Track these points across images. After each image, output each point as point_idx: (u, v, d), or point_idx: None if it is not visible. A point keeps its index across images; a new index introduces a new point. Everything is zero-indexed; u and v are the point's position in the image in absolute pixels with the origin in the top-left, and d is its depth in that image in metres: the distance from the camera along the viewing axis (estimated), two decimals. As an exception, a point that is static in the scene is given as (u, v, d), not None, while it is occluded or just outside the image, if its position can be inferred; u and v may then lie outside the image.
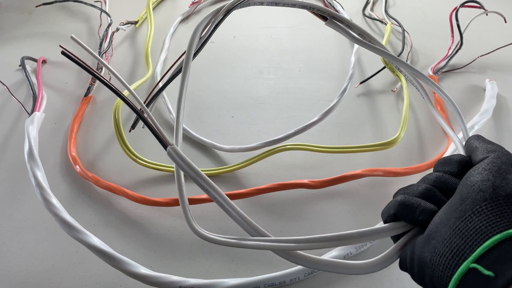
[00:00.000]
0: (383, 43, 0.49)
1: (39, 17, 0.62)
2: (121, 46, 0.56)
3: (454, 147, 0.38)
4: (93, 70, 0.28)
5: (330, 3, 0.62)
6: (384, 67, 0.48)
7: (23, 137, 0.40)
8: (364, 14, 0.60)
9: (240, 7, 0.33)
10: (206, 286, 0.30)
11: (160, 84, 0.35)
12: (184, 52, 0.32)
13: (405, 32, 0.54)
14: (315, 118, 0.41)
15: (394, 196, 0.26)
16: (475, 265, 0.19)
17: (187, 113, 0.46)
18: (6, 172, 0.40)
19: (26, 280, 0.32)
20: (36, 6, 0.60)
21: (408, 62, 0.51)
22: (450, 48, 0.50)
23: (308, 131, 0.40)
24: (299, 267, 0.31)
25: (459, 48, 0.49)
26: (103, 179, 0.38)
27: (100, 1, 0.59)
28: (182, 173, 0.28)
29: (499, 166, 0.22)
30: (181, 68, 0.31)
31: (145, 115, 0.27)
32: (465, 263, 0.19)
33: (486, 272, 0.18)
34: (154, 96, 0.35)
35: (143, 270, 0.31)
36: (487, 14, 0.47)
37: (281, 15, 0.62)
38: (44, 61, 0.53)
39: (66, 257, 0.34)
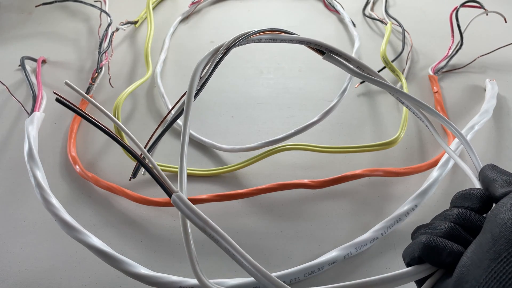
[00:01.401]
0: (383, 43, 0.49)
1: (39, 17, 0.61)
2: (121, 46, 0.56)
3: (454, 147, 0.38)
4: (90, 116, 0.26)
5: (330, 3, 0.61)
6: (384, 67, 0.48)
7: (22, 137, 0.40)
8: (364, 14, 0.60)
9: (238, 45, 0.32)
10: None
11: (160, 130, 0.34)
12: (185, 93, 0.31)
13: (405, 32, 0.54)
14: (315, 118, 0.41)
15: (414, 234, 0.24)
16: None
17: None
18: (6, 172, 0.40)
19: (26, 280, 0.32)
20: (36, 6, 0.60)
21: (409, 62, 0.51)
22: (450, 48, 0.50)
23: (308, 131, 0.40)
24: (299, 267, 0.31)
25: (459, 48, 0.49)
26: (103, 179, 0.38)
27: (100, 1, 0.59)
28: (188, 223, 0.27)
29: None
30: (183, 109, 0.30)
31: (147, 161, 0.26)
32: None
33: None
34: (154, 142, 0.34)
35: (143, 270, 0.31)
36: (487, 14, 0.47)
37: (281, 15, 0.62)
38: (44, 61, 0.53)
39: (66, 257, 0.33)
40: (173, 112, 0.33)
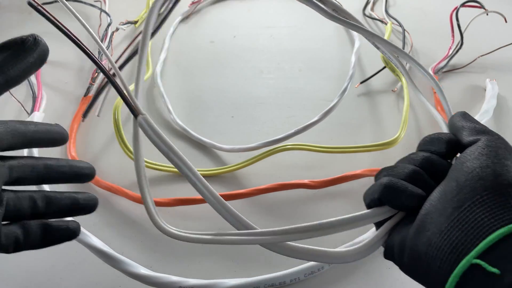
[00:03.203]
0: (383, 43, 0.49)
1: (38, 17, 0.61)
2: (121, 46, 0.56)
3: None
4: (61, 24, 0.25)
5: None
6: (384, 67, 0.48)
7: (22, 137, 0.40)
8: (364, 14, 0.60)
9: None
10: (206, 286, 0.30)
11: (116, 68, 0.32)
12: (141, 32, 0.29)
13: (405, 32, 0.54)
14: (315, 118, 0.41)
15: (377, 177, 0.24)
16: (478, 261, 0.17)
17: (187, 113, 0.46)
18: (6, 172, 0.40)
19: (26, 280, 0.32)
20: (36, 6, 0.60)
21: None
22: (450, 48, 0.50)
23: (308, 131, 0.40)
24: (299, 267, 0.31)
25: (460, 48, 0.49)
26: (103, 179, 0.38)
27: (100, 1, 0.59)
28: (142, 151, 0.25)
29: (496, 151, 0.20)
30: (138, 49, 0.29)
31: (117, 79, 0.25)
32: (467, 258, 0.17)
33: (491, 270, 0.16)
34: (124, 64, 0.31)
35: (142, 270, 0.31)
36: (487, 14, 0.47)
37: (281, 15, 0.62)
38: (43, 61, 0.53)
39: (65, 258, 0.33)
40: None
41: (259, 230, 0.23)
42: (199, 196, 0.36)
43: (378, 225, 0.23)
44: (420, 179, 0.22)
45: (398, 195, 0.21)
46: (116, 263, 0.31)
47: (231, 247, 0.34)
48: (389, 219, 0.23)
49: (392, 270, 0.32)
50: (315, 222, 0.23)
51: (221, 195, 0.36)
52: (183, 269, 0.33)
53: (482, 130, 0.22)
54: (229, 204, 0.37)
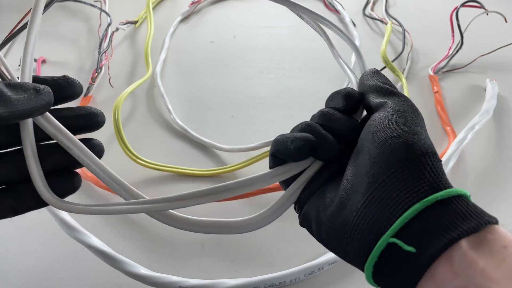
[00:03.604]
0: (384, 42, 0.49)
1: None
2: (120, 46, 0.56)
3: (454, 148, 0.38)
4: None
5: (330, 3, 0.61)
6: (384, 67, 0.48)
7: (22, 137, 0.40)
8: (364, 14, 0.60)
9: None
10: (206, 287, 0.30)
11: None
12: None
13: (405, 31, 0.54)
14: (315, 118, 0.41)
15: None
16: (394, 240, 0.17)
17: (187, 113, 0.46)
18: (6, 172, 0.40)
19: (26, 280, 0.32)
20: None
21: (409, 62, 0.51)
22: (450, 48, 0.49)
23: (308, 131, 0.40)
24: (299, 267, 0.31)
25: (460, 48, 0.49)
26: (103, 179, 0.38)
27: (100, 1, 0.59)
28: (31, 123, 0.23)
29: (406, 118, 0.19)
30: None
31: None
32: (383, 237, 0.17)
33: (407, 248, 0.16)
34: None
35: (142, 270, 0.31)
36: (487, 14, 0.47)
37: (281, 15, 0.62)
38: (43, 61, 0.53)
39: (65, 258, 0.33)
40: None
41: (147, 199, 0.22)
42: (199, 196, 0.36)
43: (285, 186, 0.23)
44: (312, 130, 0.21)
45: (284, 143, 0.21)
46: (116, 263, 0.31)
47: (231, 247, 0.34)
48: (295, 179, 0.22)
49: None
50: (211, 186, 0.22)
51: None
52: (183, 269, 0.33)
53: (389, 91, 0.21)
54: (230, 204, 0.37)
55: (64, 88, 0.24)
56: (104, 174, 0.22)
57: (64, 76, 0.24)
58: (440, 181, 0.18)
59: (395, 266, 0.17)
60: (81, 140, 0.24)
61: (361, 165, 0.19)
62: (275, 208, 0.21)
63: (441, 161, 0.19)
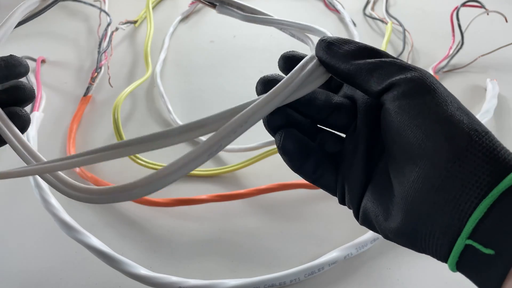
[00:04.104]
0: (384, 42, 0.49)
1: (38, 17, 0.61)
2: (120, 46, 0.56)
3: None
4: None
5: (330, 3, 0.61)
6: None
7: (22, 137, 0.40)
8: (364, 14, 0.60)
9: None
10: (206, 287, 0.30)
11: None
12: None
13: (405, 31, 0.54)
14: (316, 118, 0.41)
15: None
16: (470, 241, 0.16)
17: (187, 113, 0.46)
18: (5, 172, 0.40)
19: (25, 280, 0.32)
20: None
21: (409, 62, 0.50)
22: (451, 48, 0.49)
23: (308, 131, 0.40)
24: (299, 267, 0.31)
25: (460, 48, 0.48)
26: (102, 179, 0.38)
27: (100, 1, 0.59)
28: None
29: (433, 108, 0.17)
30: None
31: None
32: (459, 240, 0.16)
33: (485, 251, 0.16)
34: None
35: (142, 270, 0.31)
36: (488, 14, 0.47)
37: (281, 15, 0.62)
38: (43, 61, 0.53)
39: (65, 258, 0.33)
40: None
41: (44, 160, 0.21)
42: (199, 196, 0.36)
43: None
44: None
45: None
46: (116, 263, 0.31)
47: (231, 247, 0.34)
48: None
49: (392, 271, 0.32)
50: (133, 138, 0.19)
51: (221, 195, 0.36)
52: (183, 270, 0.33)
53: (389, 72, 0.19)
54: (230, 204, 0.37)
55: (11, 65, 0.24)
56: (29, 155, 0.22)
57: (11, 55, 0.25)
58: (501, 163, 0.16)
59: (478, 266, 0.16)
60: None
61: (406, 171, 0.18)
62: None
63: (493, 135, 0.17)
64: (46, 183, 0.35)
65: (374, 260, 0.33)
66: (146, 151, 0.19)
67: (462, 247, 0.16)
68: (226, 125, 0.19)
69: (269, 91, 0.20)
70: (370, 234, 0.33)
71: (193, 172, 0.39)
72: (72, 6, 0.62)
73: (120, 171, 0.40)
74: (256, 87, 0.23)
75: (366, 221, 0.20)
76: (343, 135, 0.22)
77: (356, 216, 0.21)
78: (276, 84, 0.20)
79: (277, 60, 0.24)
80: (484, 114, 0.41)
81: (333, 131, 0.23)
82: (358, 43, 0.20)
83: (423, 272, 0.32)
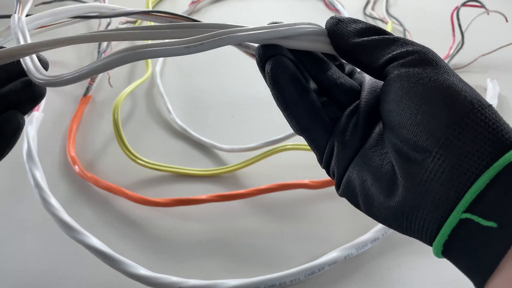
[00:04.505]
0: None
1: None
2: (120, 45, 0.56)
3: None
4: None
5: (331, 3, 0.61)
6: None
7: (21, 137, 0.40)
8: (364, 13, 0.60)
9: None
10: (206, 287, 0.30)
11: None
12: None
13: (406, 31, 0.54)
14: (316, 118, 0.41)
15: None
16: (468, 215, 0.15)
17: (187, 113, 0.46)
18: (5, 172, 0.40)
19: (25, 280, 0.32)
20: (35, 6, 0.60)
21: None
22: (451, 48, 0.49)
23: (308, 131, 0.40)
24: (299, 267, 0.31)
25: (461, 48, 0.48)
26: (102, 180, 0.38)
27: (99, 0, 0.59)
28: None
29: (433, 76, 0.17)
30: None
31: None
32: (453, 214, 0.15)
33: (486, 223, 0.14)
34: None
35: (142, 271, 0.31)
36: (488, 14, 0.47)
37: (281, 14, 0.61)
38: (43, 61, 0.52)
39: (65, 258, 0.33)
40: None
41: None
42: (199, 196, 0.36)
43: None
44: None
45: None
46: (115, 263, 0.30)
47: (231, 247, 0.34)
48: None
49: (392, 271, 0.32)
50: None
51: (221, 195, 0.36)
52: (183, 270, 0.33)
53: (392, 47, 0.19)
54: (230, 204, 0.37)
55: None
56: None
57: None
58: (503, 135, 0.15)
59: (471, 244, 0.15)
60: None
61: (398, 139, 0.17)
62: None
63: (494, 109, 0.16)
64: (45, 183, 0.35)
65: (374, 260, 0.33)
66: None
67: (456, 223, 0.15)
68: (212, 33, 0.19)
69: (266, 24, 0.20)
70: (370, 234, 0.33)
71: (193, 172, 0.39)
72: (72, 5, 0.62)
73: (120, 172, 0.40)
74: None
75: (348, 189, 0.20)
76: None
77: (338, 184, 0.20)
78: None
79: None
80: (484, 114, 0.41)
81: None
82: (366, 23, 0.20)
83: (423, 272, 0.32)
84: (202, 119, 0.45)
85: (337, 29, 0.20)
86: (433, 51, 0.18)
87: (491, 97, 0.44)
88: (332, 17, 0.21)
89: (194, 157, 0.41)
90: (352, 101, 0.21)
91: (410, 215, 0.16)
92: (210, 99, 0.47)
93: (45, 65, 0.23)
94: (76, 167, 0.39)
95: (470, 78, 0.49)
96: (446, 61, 0.49)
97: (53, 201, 0.34)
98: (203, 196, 0.36)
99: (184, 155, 0.42)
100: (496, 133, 0.15)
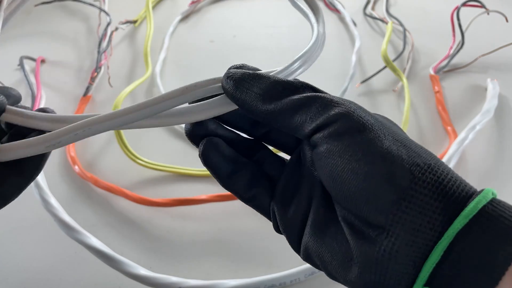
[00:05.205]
0: (384, 42, 0.49)
1: (37, 17, 0.61)
2: (120, 45, 0.56)
3: (455, 148, 0.38)
4: None
5: (330, 2, 0.61)
6: (385, 67, 0.48)
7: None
8: (365, 13, 0.60)
9: None
10: (206, 287, 0.30)
11: None
12: None
13: (406, 31, 0.54)
14: (316, 118, 0.40)
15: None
16: None
17: (187, 113, 0.46)
18: (5, 172, 0.40)
19: (25, 280, 0.32)
20: (35, 6, 0.60)
21: (410, 62, 0.50)
22: (451, 48, 0.49)
23: (308, 131, 0.40)
24: (299, 267, 0.31)
25: (461, 48, 0.48)
26: (102, 180, 0.38)
27: (99, 0, 0.59)
28: None
29: (366, 147, 0.16)
30: None
31: None
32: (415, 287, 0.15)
33: None
34: None
35: (142, 271, 0.30)
36: (488, 14, 0.47)
37: (281, 14, 0.61)
38: (43, 61, 0.52)
39: (65, 258, 0.33)
40: None
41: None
42: (199, 196, 0.36)
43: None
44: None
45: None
46: (115, 263, 0.30)
47: (231, 247, 0.34)
48: None
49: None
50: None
51: (221, 195, 0.36)
52: (183, 270, 0.33)
53: (312, 112, 0.17)
54: (230, 204, 0.37)
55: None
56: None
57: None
58: (450, 198, 0.15)
59: None
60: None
61: (347, 212, 0.16)
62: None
63: (437, 165, 0.16)
64: (45, 183, 0.35)
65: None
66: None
67: None
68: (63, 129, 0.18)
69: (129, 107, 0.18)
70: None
71: (193, 172, 0.39)
72: (72, 5, 0.62)
73: (120, 172, 0.40)
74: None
75: (308, 260, 0.19)
76: (287, 157, 0.21)
77: (297, 250, 0.19)
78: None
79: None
80: (484, 114, 0.41)
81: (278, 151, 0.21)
82: (270, 77, 0.18)
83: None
84: (202, 119, 0.45)
85: (239, 96, 0.18)
86: (357, 108, 0.17)
87: (491, 97, 0.44)
88: (228, 76, 0.18)
89: (194, 157, 0.41)
90: (297, 144, 0.20)
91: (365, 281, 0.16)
92: (210, 99, 0.47)
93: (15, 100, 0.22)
94: (76, 167, 0.39)
95: (470, 78, 0.49)
96: (446, 61, 0.49)
97: (53, 201, 0.34)
98: (203, 196, 0.36)
99: (184, 155, 0.42)
100: (442, 197, 0.15)
